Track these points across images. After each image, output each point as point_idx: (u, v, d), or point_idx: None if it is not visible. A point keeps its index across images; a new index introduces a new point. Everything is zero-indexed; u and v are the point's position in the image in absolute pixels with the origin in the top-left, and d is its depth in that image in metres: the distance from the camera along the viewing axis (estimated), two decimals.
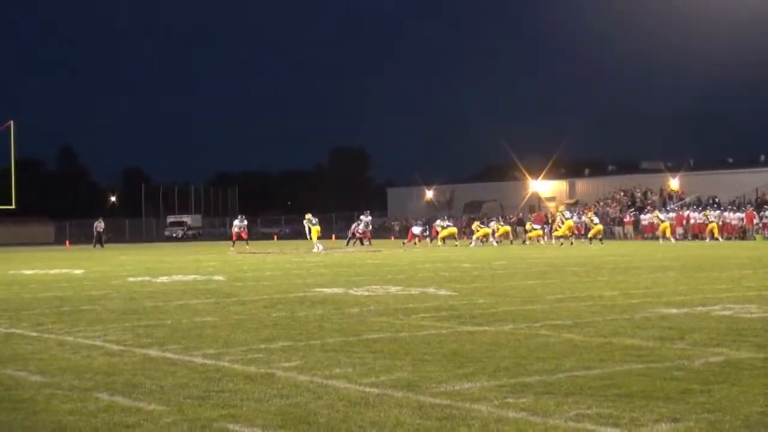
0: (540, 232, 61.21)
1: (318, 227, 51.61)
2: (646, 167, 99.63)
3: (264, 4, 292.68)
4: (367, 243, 59.42)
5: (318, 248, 49.05)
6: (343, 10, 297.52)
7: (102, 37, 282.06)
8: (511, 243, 60.19)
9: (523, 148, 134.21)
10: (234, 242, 58.89)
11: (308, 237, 52.39)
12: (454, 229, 60.60)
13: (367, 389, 9.10)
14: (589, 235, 56.04)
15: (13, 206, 76.02)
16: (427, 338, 12.78)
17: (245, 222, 60.03)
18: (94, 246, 68.90)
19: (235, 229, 59.44)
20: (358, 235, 60.90)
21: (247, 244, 58.36)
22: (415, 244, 59.75)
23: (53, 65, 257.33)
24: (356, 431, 7.49)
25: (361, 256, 42.92)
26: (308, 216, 52.45)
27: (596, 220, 57.40)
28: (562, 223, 56.21)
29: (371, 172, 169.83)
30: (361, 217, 62.07)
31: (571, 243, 53.29)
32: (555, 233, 58.12)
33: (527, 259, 36.50)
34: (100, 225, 72.08)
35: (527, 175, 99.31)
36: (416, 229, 62.35)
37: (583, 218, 62.20)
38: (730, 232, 64.03)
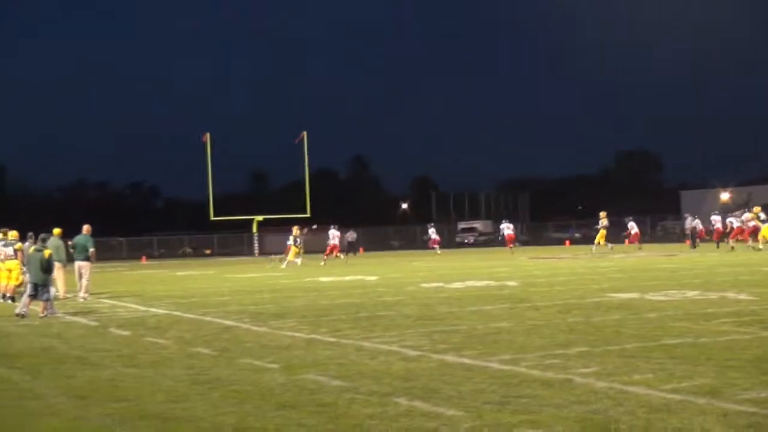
0: None
1: (297, 248, 49.47)
2: None
3: None
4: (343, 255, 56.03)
5: (281, 264, 48.86)
6: None
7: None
8: None
9: None
10: (328, 255, 51.79)
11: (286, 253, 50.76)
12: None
13: (669, 395, 8.88)
14: None
15: (308, 215, 79.45)
16: (728, 344, 12.39)
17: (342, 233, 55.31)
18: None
19: (334, 241, 52.72)
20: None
21: (338, 256, 53.44)
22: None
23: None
24: None
25: (655, 260, 42.06)
26: (295, 231, 49.76)
27: None
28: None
29: (661, 175, 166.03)
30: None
31: None
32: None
33: None
34: (351, 235, 72.47)
35: None
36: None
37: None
38: None
